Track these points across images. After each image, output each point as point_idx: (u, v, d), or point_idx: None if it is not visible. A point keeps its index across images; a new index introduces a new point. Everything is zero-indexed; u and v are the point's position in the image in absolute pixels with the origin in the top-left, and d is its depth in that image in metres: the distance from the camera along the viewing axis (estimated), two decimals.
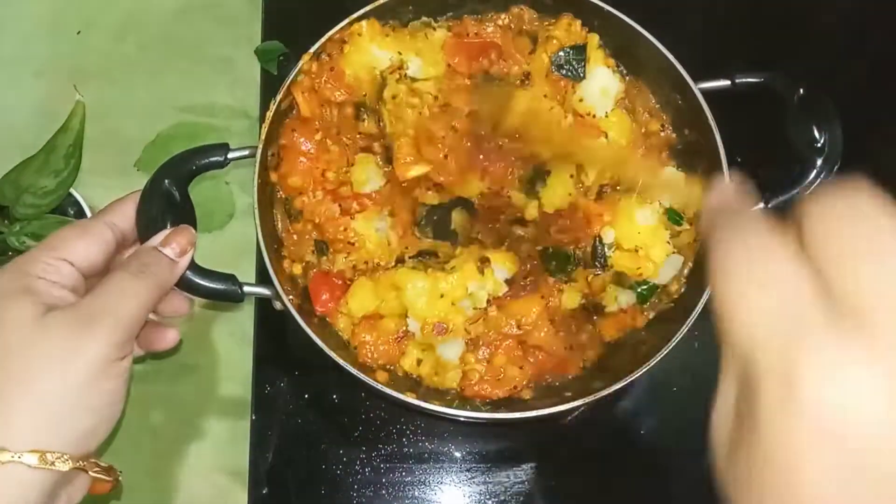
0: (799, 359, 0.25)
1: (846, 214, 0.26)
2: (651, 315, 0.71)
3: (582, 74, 0.71)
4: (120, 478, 0.52)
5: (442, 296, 0.66)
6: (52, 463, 0.46)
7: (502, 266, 0.69)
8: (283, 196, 0.71)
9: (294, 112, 0.71)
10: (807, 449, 0.24)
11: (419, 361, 0.68)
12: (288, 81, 0.68)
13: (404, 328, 0.68)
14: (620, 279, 0.70)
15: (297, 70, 0.69)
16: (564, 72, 0.71)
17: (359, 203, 0.70)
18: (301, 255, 0.71)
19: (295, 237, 0.72)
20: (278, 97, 0.68)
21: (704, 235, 0.30)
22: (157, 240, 0.57)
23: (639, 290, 0.70)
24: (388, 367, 0.69)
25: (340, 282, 0.70)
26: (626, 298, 0.70)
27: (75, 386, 0.47)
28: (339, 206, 0.71)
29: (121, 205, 0.60)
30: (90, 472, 0.49)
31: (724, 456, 0.28)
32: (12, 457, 0.45)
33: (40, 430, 0.46)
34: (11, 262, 0.52)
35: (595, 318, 0.71)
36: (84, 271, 0.54)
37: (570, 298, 0.70)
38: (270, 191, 0.71)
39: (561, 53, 0.71)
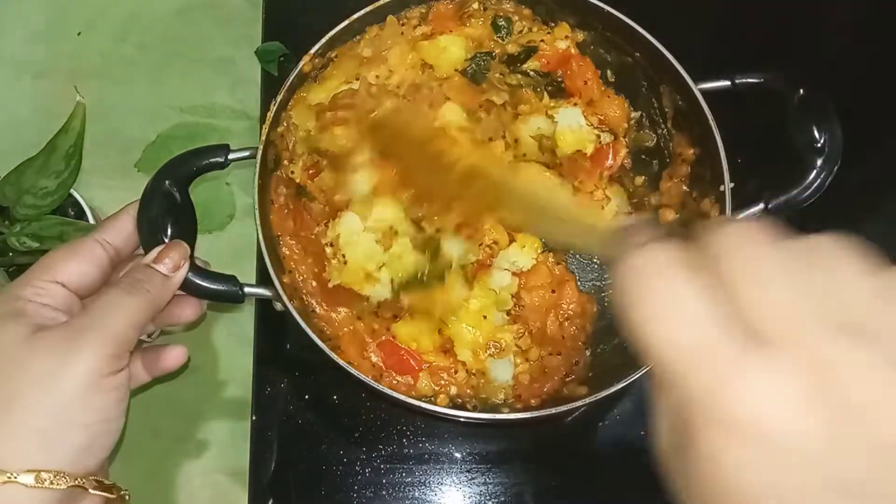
0: (722, 382, 0.26)
1: (750, 240, 0.27)
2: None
3: None
4: (126, 496, 0.52)
5: (485, 317, 0.67)
6: (49, 482, 0.45)
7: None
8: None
9: (280, 167, 0.71)
10: (735, 457, 0.26)
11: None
12: (288, 82, 0.68)
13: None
14: None
15: (297, 70, 0.69)
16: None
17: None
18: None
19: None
20: (279, 98, 0.68)
21: (611, 262, 0.30)
22: (150, 257, 0.57)
23: None
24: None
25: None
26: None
27: (66, 402, 0.47)
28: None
29: (113, 221, 0.59)
30: (90, 490, 0.48)
31: (669, 467, 0.30)
32: (9, 477, 0.44)
33: (35, 449, 0.46)
34: (4, 287, 0.52)
35: None
36: (78, 291, 0.54)
37: None
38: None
39: None
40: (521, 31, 0.75)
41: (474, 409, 0.67)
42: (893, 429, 0.25)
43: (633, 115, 0.76)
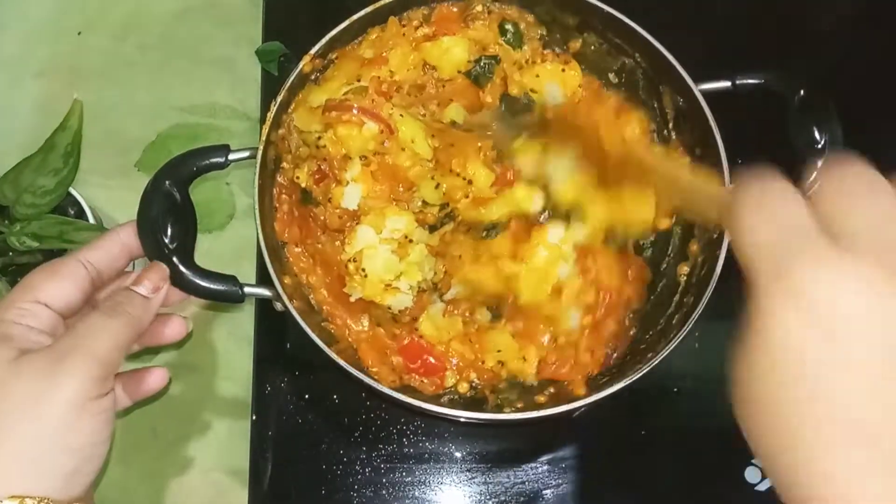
0: (797, 260, 0.30)
1: (844, 174, 0.33)
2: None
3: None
4: None
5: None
6: None
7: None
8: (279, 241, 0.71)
9: (281, 169, 0.71)
10: (794, 327, 0.30)
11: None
12: (288, 82, 0.68)
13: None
14: None
15: (297, 70, 0.69)
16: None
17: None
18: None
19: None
20: (279, 98, 0.68)
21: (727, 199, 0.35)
22: (129, 280, 0.57)
23: None
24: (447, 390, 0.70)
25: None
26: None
27: (52, 426, 0.47)
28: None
29: (99, 241, 0.59)
30: None
31: (736, 373, 0.33)
32: None
33: (19, 475, 0.45)
34: None
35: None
36: (61, 312, 0.53)
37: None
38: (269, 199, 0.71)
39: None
40: (527, 61, 0.74)
41: (494, 395, 0.68)
42: None
43: (651, 126, 0.75)
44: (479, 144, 0.68)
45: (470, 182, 0.67)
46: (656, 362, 0.62)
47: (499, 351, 0.68)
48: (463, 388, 0.69)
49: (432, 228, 0.69)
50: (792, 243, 0.30)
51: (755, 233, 0.32)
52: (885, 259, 0.29)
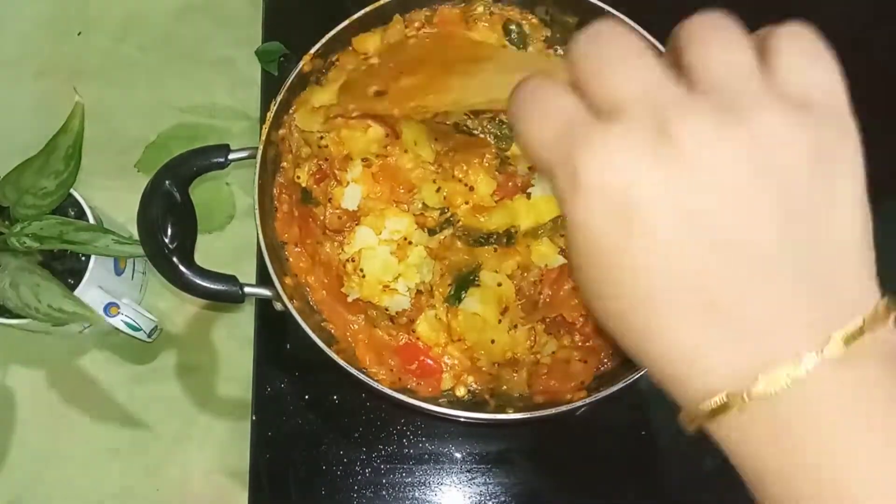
0: (575, 153, 0.28)
1: (594, 37, 0.29)
2: None
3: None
4: None
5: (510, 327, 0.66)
6: None
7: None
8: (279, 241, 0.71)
9: (281, 168, 0.71)
10: (596, 221, 0.28)
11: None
12: (288, 82, 0.68)
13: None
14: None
15: (297, 70, 0.69)
16: None
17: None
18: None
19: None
20: (279, 98, 0.68)
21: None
22: None
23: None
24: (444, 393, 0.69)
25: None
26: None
27: None
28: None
29: None
30: None
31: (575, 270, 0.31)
32: None
33: None
34: None
35: None
36: None
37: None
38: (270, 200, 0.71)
39: None
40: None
41: (494, 399, 0.68)
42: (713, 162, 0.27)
43: None
44: (483, 151, 0.68)
45: (471, 189, 0.67)
46: None
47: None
48: (460, 392, 0.68)
49: (431, 232, 0.69)
50: (567, 135, 0.28)
51: (533, 133, 0.30)
52: (652, 118, 0.27)
